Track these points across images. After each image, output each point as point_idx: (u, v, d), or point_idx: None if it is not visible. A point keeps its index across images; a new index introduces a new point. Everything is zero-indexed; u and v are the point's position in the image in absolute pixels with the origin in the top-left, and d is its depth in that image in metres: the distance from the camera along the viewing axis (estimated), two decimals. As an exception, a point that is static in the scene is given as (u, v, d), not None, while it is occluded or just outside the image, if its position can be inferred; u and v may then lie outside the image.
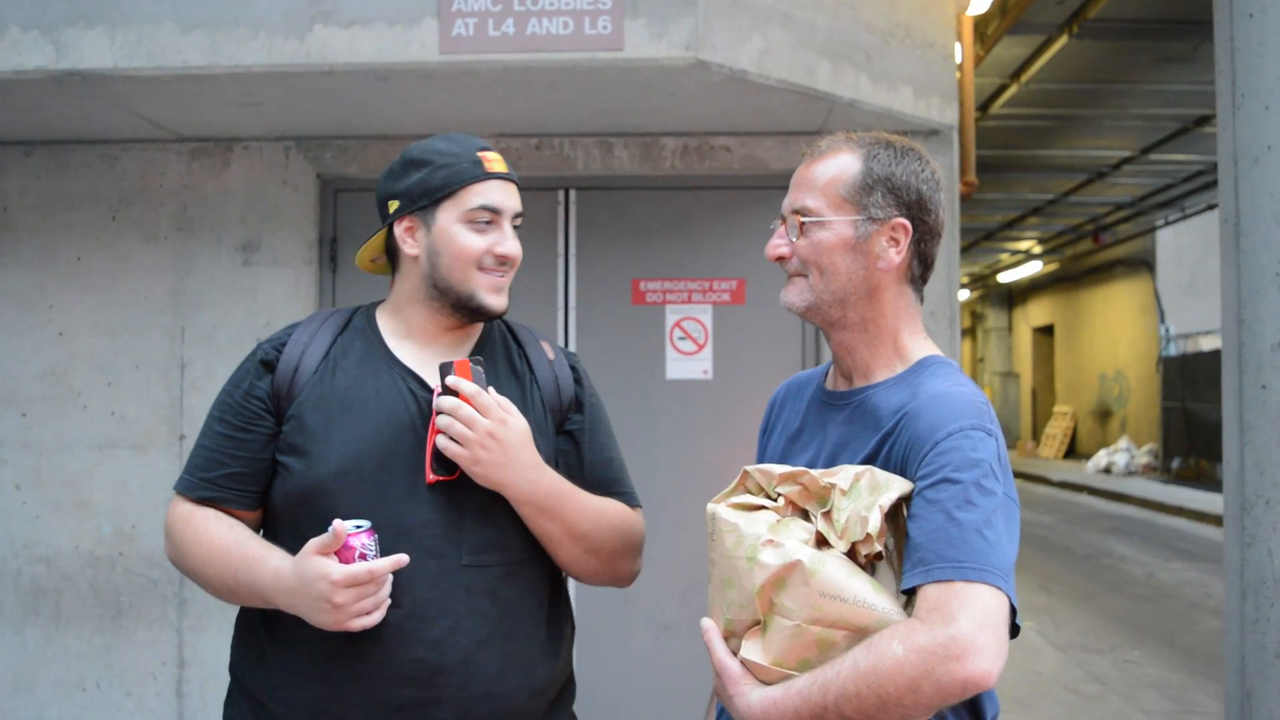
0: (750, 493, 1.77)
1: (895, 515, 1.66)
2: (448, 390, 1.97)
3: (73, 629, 4.70)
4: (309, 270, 4.74)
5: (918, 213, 1.84)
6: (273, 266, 4.74)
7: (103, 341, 4.74)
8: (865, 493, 1.63)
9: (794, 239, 1.86)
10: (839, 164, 1.85)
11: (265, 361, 2.08)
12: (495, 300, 2.09)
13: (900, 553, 1.65)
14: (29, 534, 4.71)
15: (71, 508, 4.71)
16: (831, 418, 1.90)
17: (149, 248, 4.76)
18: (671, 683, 4.62)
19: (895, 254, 1.83)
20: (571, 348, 4.78)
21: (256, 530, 2.08)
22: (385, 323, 2.15)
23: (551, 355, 2.24)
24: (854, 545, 1.61)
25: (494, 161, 2.09)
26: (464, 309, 2.08)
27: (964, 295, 32.31)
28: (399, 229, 2.10)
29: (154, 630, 4.68)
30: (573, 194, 4.83)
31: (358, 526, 1.87)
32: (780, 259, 1.89)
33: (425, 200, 2.06)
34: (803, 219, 1.85)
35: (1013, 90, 10.97)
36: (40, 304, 4.76)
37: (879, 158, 1.84)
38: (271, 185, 4.77)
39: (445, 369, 1.98)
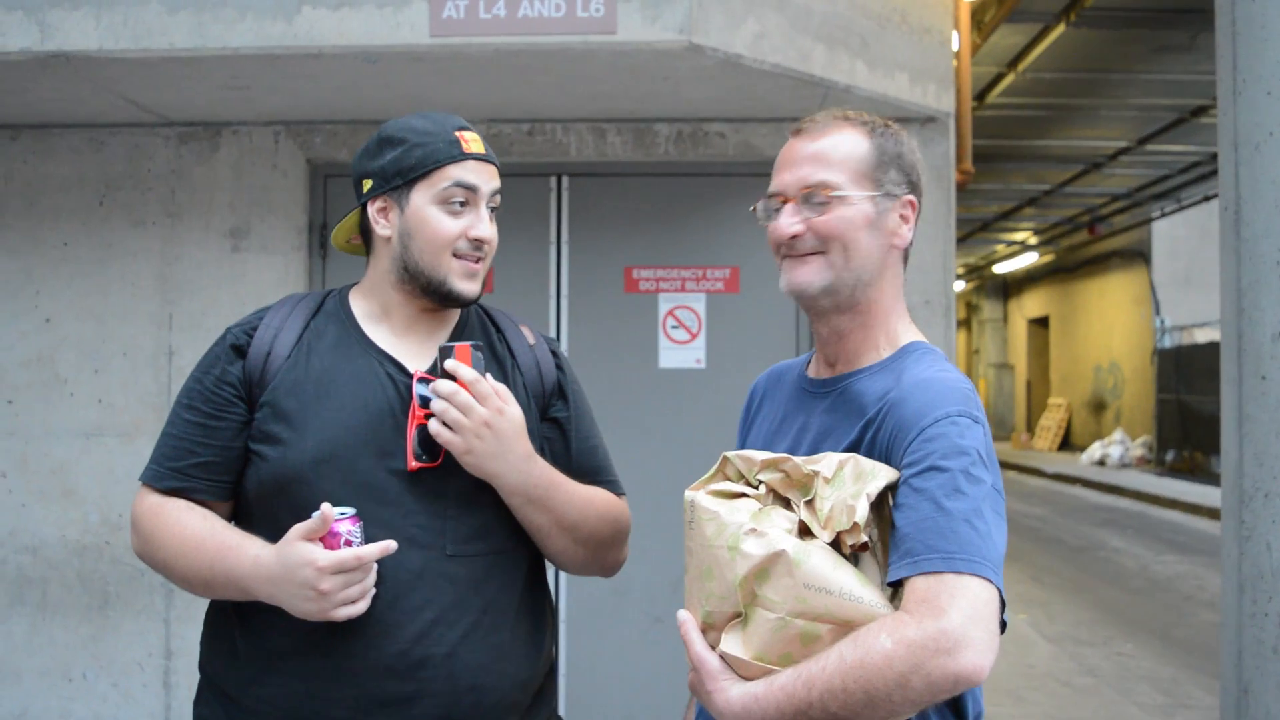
0: (730, 480, 1.71)
1: (880, 505, 1.60)
2: (445, 374, 1.91)
3: (59, 619, 4.65)
4: (298, 257, 4.69)
5: (918, 192, 1.85)
6: (262, 253, 4.69)
7: (90, 328, 4.69)
8: (850, 481, 1.58)
9: (810, 216, 1.78)
10: (848, 140, 1.80)
11: (236, 346, 2.01)
12: (467, 286, 2.02)
13: (885, 543, 1.60)
14: (15, 523, 4.66)
15: (58, 496, 4.67)
16: (814, 406, 1.85)
17: (136, 233, 4.71)
18: (662, 675, 4.58)
19: (908, 230, 1.83)
20: (564, 336, 4.74)
21: (228, 522, 2.00)
22: (359, 306, 2.09)
23: (532, 340, 2.18)
24: (838, 535, 1.56)
25: (471, 142, 2.02)
26: (435, 293, 2.02)
27: (959, 286, 32.28)
28: (372, 209, 2.04)
29: (141, 620, 4.63)
30: (565, 180, 4.78)
31: (342, 513, 1.82)
32: (793, 238, 1.79)
33: (399, 180, 1.99)
34: (829, 193, 1.77)
35: (1009, 79, 10.92)
36: (27, 290, 4.71)
37: (885, 136, 1.82)
38: (261, 170, 4.71)
39: (445, 352, 1.92)
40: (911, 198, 1.82)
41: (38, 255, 4.70)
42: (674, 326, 4.77)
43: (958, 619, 1.44)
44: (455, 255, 2.00)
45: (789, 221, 1.79)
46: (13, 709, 4.62)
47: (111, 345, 4.68)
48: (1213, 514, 14.45)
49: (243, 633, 1.96)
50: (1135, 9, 9.03)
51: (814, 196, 1.78)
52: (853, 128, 1.82)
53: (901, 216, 1.81)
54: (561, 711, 4.70)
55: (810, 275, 1.79)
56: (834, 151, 1.79)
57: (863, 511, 1.53)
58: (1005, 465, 22.89)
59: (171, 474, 1.97)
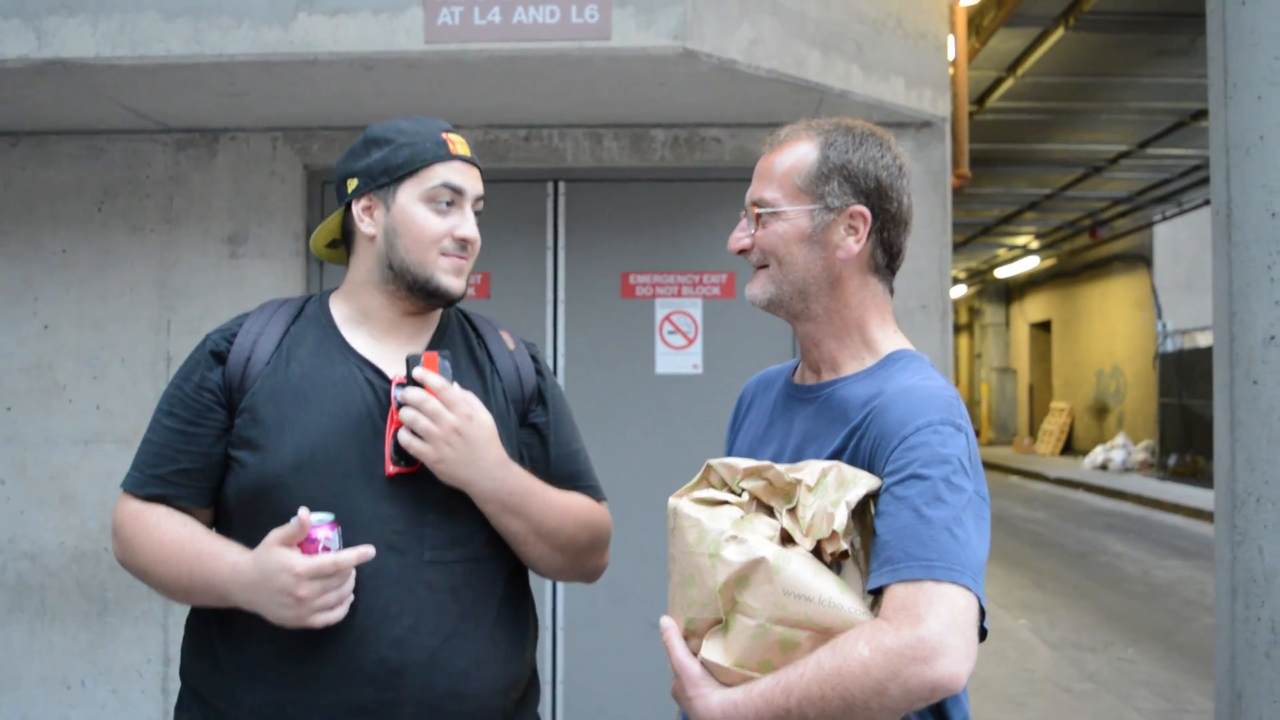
0: (713, 487, 1.72)
1: (863, 513, 1.61)
2: (414, 382, 1.91)
3: (58, 625, 4.66)
4: (296, 262, 4.70)
5: (878, 200, 1.79)
6: (260, 258, 4.70)
7: (88, 334, 4.70)
8: (832, 489, 1.58)
9: (754, 231, 1.83)
10: (796, 153, 1.81)
11: (215, 353, 2.01)
12: (454, 281, 2.02)
13: (867, 551, 1.60)
14: (13, 529, 4.67)
15: (57, 502, 4.68)
16: (798, 412, 1.86)
17: (135, 239, 4.72)
18: (660, 681, 4.57)
19: (854, 242, 1.78)
20: (560, 342, 4.75)
21: (209, 529, 2.00)
22: (339, 309, 2.08)
23: (512, 345, 2.17)
24: (819, 543, 1.56)
25: (457, 144, 2.03)
26: (421, 291, 2.01)
27: (961, 291, 32.27)
28: (357, 208, 2.03)
29: (140, 627, 4.64)
30: (562, 185, 4.80)
31: (320, 519, 1.82)
32: (742, 251, 1.86)
33: (386, 178, 2.00)
34: (759, 210, 1.82)
35: (1009, 84, 10.92)
36: (25, 296, 4.72)
37: (836, 145, 1.80)
38: (258, 176, 4.73)
39: (412, 360, 1.92)
40: (859, 207, 1.78)
41: (37, 262, 4.72)
42: (671, 332, 4.77)
43: (935, 627, 1.44)
44: (441, 253, 2.00)
45: (736, 236, 1.87)
46: (12, 715, 4.63)
47: (110, 351, 4.69)
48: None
49: (223, 641, 1.95)
50: (1134, 13, 9.04)
51: (758, 212, 1.82)
52: (808, 138, 1.82)
53: (849, 228, 1.78)
54: (560, 717, 4.71)
55: (756, 289, 1.86)
56: (779, 166, 1.82)
57: (841, 519, 1.53)
58: (1007, 470, 22.88)
59: (152, 481, 1.98)
